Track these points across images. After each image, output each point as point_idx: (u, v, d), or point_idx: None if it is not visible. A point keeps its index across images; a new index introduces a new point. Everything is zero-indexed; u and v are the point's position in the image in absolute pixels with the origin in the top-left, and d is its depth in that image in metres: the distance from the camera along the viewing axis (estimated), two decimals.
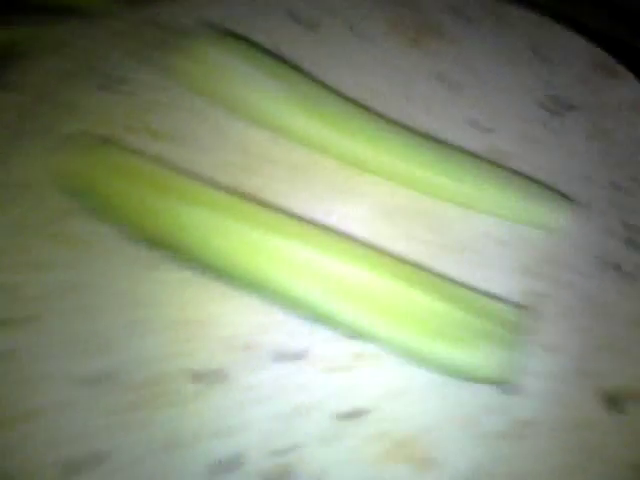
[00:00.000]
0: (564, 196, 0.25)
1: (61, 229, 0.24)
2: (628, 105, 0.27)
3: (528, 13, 0.30)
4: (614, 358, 0.22)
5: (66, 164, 0.25)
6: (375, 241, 0.24)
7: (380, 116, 0.26)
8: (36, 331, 0.22)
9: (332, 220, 0.24)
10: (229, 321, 0.22)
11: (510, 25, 0.29)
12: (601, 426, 0.21)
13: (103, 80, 0.28)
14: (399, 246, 0.24)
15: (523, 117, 0.27)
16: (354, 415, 0.21)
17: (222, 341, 0.22)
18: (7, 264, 0.24)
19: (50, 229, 0.24)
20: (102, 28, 0.33)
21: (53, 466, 0.21)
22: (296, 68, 0.27)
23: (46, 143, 0.26)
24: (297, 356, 0.22)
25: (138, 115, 0.27)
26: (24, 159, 0.26)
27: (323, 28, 0.29)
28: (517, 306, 0.22)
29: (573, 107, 0.27)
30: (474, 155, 0.25)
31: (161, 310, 0.23)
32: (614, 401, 0.21)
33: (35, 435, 0.21)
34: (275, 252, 0.22)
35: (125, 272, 0.23)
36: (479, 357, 0.21)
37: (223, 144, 0.26)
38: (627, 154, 0.26)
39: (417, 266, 0.23)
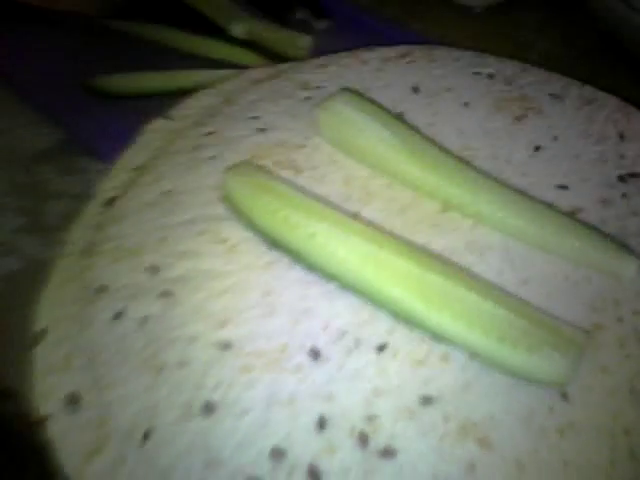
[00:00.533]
0: (629, 249, 0.29)
1: (213, 229, 0.31)
2: None
3: (615, 99, 0.35)
4: None
5: (226, 181, 0.32)
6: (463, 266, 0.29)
7: (479, 171, 0.31)
8: (172, 304, 0.28)
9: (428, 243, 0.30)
10: (333, 313, 0.27)
11: (599, 108, 0.35)
12: None
13: (256, 122, 0.36)
14: (480, 269, 0.28)
15: (599, 182, 0.32)
16: (426, 400, 0.25)
17: (325, 327, 0.27)
18: (162, 250, 0.30)
19: (203, 227, 0.31)
20: (248, 78, 0.41)
21: (175, 410, 0.26)
22: (411, 127, 0.33)
23: (209, 165, 0.34)
24: (381, 348, 0.26)
25: (284, 153, 0.34)
26: (189, 173, 0.34)
27: (439, 100, 0.36)
28: (581, 328, 0.26)
29: (637, 175, 0.32)
30: (556, 209, 0.30)
31: (281, 299, 0.28)
32: None
33: (162, 386, 0.26)
34: (378, 262, 0.28)
35: (256, 268, 0.29)
36: (541, 362, 0.25)
37: (346, 181, 0.33)
38: None
39: (492, 285, 0.27)
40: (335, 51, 0.41)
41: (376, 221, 0.31)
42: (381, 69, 0.39)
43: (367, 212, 0.31)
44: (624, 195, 0.31)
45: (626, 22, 0.43)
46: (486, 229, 0.30)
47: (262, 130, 0.36)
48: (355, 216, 0.31)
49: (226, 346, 0.27)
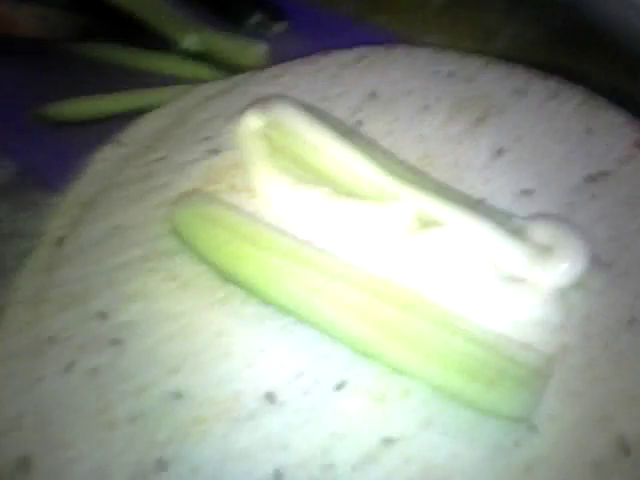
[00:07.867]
0: (601, 260, 0.27)
1: (163, 265, 0.29)
2: None
3: (582, 91, 0.33)
4: (633, 408, 0.24)
5: (174, 213, 0.30)
6: (420, 287, 0.27)
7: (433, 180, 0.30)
8: (121, 352, 0.27)
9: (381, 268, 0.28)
10: (289, 350, 0.26)
11: (564, 102, 0.33)
12: (613, 468, 0.23)
13: (208, 144, 0.34)
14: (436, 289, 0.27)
15: (565, 185, 0.30)
16: (388, 441, 0.24)
17: (281, 367, 0.26)
18: (110, 294, 0.29)
19: (153, 265, 0.29)
20: (201, 95, 0.39)
21: (126, 469, 0.24)
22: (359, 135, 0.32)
23: (159, 194, 0.33)
24: (340, 386, 0.25)
25: (239, 175, 0.32)
26: (138, 205, 0.32)
27: (398, 105, 0.34)
28: (545, 355, 0.25)
29: (608, 174, 0.30)
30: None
31: (235, 338, 0.27)
32: (627, 446, 0.23)
33: (113, 443, 0.25)
34: (331, 293, 0.26)
35: (209, 305, 0.28)
36: (502, 396, 0.23)
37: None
38: None
39: (450, 314, 0.26)
40: (292, 57, 0.39)
41: (325, 243, 0.29)
42: (337, 75, 0.37)
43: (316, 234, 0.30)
44: (593, 196, 0.30)
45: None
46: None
47: (215, 151, 0.34)
48: (310, 242, 0.29)
49: (178, 395, 0.26)
